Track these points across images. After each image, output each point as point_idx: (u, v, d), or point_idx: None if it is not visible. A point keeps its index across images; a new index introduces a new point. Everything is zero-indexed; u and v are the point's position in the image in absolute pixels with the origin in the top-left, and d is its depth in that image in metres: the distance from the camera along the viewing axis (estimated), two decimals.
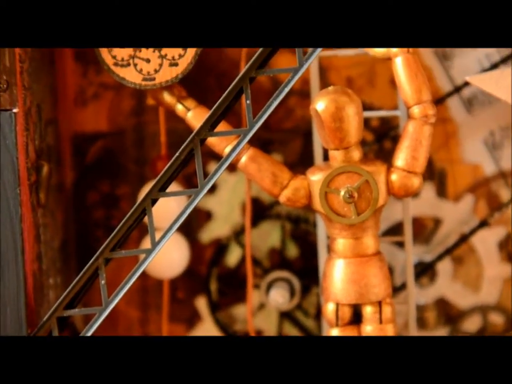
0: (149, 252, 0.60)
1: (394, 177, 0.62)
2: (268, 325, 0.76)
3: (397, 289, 0.73)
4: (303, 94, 0.74)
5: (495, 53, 0.73)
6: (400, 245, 0.73)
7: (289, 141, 0.75)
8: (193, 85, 0.67)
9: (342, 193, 0.61)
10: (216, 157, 0.66)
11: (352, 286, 0.62)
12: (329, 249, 0.64)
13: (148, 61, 0.63)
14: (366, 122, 0.71)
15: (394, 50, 0.61)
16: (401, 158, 0.62)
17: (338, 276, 0.62)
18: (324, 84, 0.72)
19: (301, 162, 0.75)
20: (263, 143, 0.74)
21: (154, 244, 0.60)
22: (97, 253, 0.60)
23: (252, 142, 0.62)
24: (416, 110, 0.61)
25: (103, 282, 0.59)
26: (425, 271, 0.75)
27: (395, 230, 0.74)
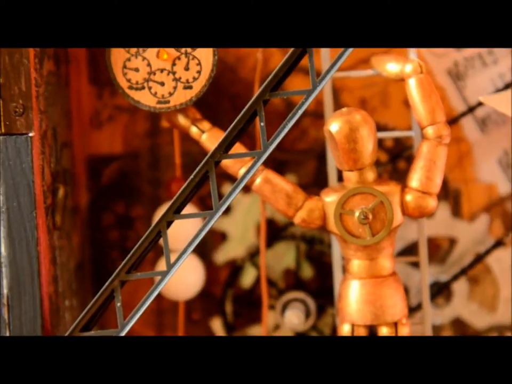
0: (164, 274, 0.60)
1: (409, 198, 0.62)
2: None
3: (413, 310, 0.73)
4: (316, 115, 0.75)
5: (508, 73, 0.73)
6: (416, 265, 0.73)
7: (303, 162, 0.76)
8: (207, 107, 0.67)
9: (357, 214, 0.61)
10: (231, 178, 0.66)
11: (367, 307, 0.62)
12: (344, 270, 0.64)
13: (162, 84, 0.63)
14: (380, 142, 0.71)
15: (407, 71, 0.61)
16: (415, 179, 0.62)
17: (353, 297, 0.62)
18: (337, 105, 0.72)
19: (315, 183, 0.75)
20: (277, 164, 0.74)
21: (170, 266, 0.60)
22: (113, 275, 0.60)
23: (266, 163, 0.62)
24: (430, 131, 0.61)
25: (118, 304, 0.60)
26: (441, 291, 0.74)
27: (410, 250, 0.74)
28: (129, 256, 0.60)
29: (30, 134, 0.59)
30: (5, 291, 0.60)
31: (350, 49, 0.58)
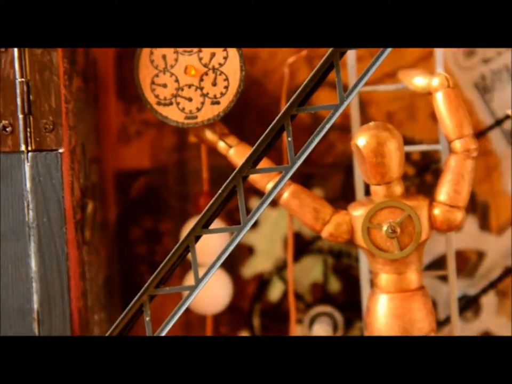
0: (192, 289, 0.60)
1: (437, 211, 0.61)
2: None
3: (441, 324, 0.72)
4: (343, 128, 0.75)
5: None
6: (443, 278, 0.73)
7: (330, 176, 0.76)
8: (233, 121, 0.68)
9: (385, 228, 0.61)
10: (258, 192, 0.67)
11: (396, 321, 0.62)
12: (372, 284, 0.64)
13: (190, 99, 0.64)
14: (407, 156, 0.71)
15: (434, 84, 0.61)
16: (443, 193, 0.61)
17: (381, 311, 0.62)
18: (364, 118, 0.72)
19: (342, 197, 0.75)
20: (304, 178, 0.75)
21: (198, 281, 0.60)
22: (142, 290, 0.60)
23: (292, 177, 0.62)
24: (458, 144, 0.61)
25: (147, 319, 0.60)
26: (469, 305, 0.74)
27: (438, 263, 0.74)
28: (157, 270, 0.60)
29: (60, 150, 0.60)
30: (35, 306, 0.60)
31: (378, 63, 0.58)
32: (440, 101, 0.61)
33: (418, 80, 0.63)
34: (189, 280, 0.72)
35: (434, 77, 0.61)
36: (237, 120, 0.72)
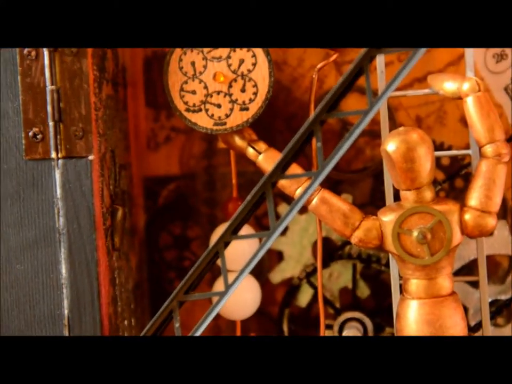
0: (222, 295, 0.60)
1: (468, 217, 0.61)
2: None
3: (472, 330, 0.72)
4: (372, 134, 0.74)
5: None
6: (474, 284, 0.72)
7: (359, 181, 0.75)
8: (262, 127, 0.68)
9: (415, 234, 0.60)
10: (286, 198, 0.66)
11: (427, 328, 0.61)
12: (402, 289, 0.64)
13: (219, 106, 0.64)
14: (437, 161, 0.70)
15: (465, 89, 0.61)
16: (474, 198, 0.61)
17: (412, 317, 0.62)
18: (393, 123, 0.72)
19: (371, 202, 0.75)
20: (332, 183, 0.74)
21: (228, 287, 0.60)
22: (172, 296, 0.60)
23: (321, 183, 0.62)
24: (489, 149, 0.60)
25: (177, 325, 0.60)
26: (500, 310, 0.73)
27: (468, 268, 0.74)
28: (187, 277, 0.60)
29: (90, 157, 0.60)
30: (66, 312, 0.61)
31: (408, 68, 0.58)
32: (471, 105, 0.61)
33: (448, 85, 0.63)
34: (218, 285, 0.72)
35: (464, 82, 0.61)
36: (265, 126, 0.72)
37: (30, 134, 0.60)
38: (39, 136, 0.60)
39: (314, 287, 0.75)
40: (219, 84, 0.64)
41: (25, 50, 0.59)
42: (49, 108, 0.59)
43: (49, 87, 0.59)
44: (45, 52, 0.59)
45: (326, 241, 0.75)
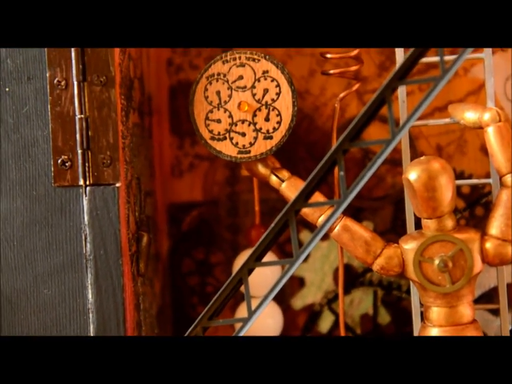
0: (245, 321, 0.61)
1: (488, 245, 0.62)
2: None
3: None
4: (393, 162, 0.75)
5: None
6: (494, 312, 0.73)
7: (380, 209, 0.76)
8: (284, 155, 0.69)
9: (437, 262, 0.61)
10: (309, 225, 0.67)
11: None
12: (424, 317, 0.64)
13: (243, 134, 0.65)
14: (457, 189, 0.71)
15: (485, 119, 0.62)
16: (495, 226, 0.62)
17: None
18: (414, 152, 0.73)
19: (392, 230, 0.76)
20: (354, 211, 0.75)
21: (251, 313, 0.61)
22: (196, 321, 0.61)
23: (343, 211, 0.62)
24: (509, 179, 0.61)
25: None
26: None
27: (488, 296, 0.74)
28: (211, 302, 0.61)
29: (117, 185, 0.61)
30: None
31: (429, 100, 0.59)
32: (491, 135, 0.61)
33: (469, 115, 0.64)
34: (241, 311, 0.73)
35: (485, 112, 0.62)
36: (288, 154, 0.73)
37: (59, 161, 0.61)
38: (67, 164, 0.61)
39: (336, 314, 0.76)
40: (243, 113, 0.65)
41: (55, 80, 0.61)
42: (78, 136, 0.61)
43: (78, 116, 0.61)
44: (74, 81, 0.60)
45: (347, 268, 0.76)
